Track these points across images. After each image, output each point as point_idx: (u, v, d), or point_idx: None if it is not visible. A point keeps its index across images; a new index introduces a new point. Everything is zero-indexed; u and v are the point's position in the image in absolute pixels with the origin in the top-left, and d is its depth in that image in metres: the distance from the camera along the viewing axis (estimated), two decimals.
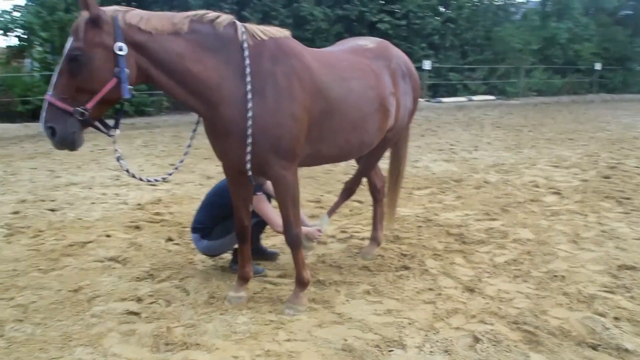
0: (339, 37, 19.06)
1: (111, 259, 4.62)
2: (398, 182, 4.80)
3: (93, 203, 6.43)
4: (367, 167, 4.44)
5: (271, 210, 4.11)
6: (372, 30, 19.55)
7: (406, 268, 4.41)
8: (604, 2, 27.47)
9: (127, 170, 3.23)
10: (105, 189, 7.16)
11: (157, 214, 5.98)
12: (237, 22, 3.25)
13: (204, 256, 4.64)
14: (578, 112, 18.53)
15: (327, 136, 3.50)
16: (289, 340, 3.26)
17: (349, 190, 4.57)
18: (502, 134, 12.99)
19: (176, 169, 3.55)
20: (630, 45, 27.92)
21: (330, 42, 18.53)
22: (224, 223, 4.17)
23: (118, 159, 3.14)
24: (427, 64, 20.37)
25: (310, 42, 18.17)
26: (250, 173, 3.30)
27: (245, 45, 3.17)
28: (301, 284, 3.66)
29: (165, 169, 8.48)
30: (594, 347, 3.16)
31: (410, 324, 3.45)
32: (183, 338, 3.25)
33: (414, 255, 4.68)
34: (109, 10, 2.96)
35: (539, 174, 8.21)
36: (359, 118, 3.62)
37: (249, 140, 3.17)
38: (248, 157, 3.21)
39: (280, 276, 4.31)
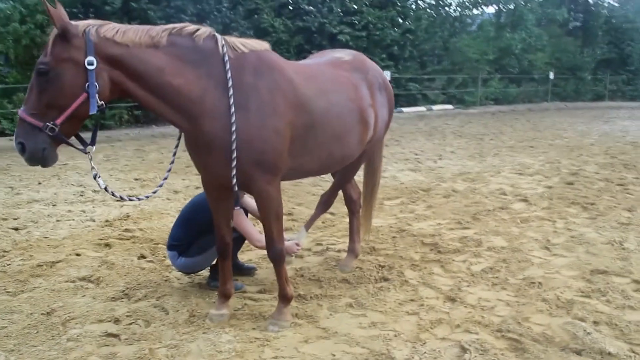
0: (300, 48, 19.18)
1: (83, 279, 4.45)
2: (374, 194, 4.83)
3: (59, 221, 6.20)
4: (343, 179, 4.44)
5: (250, 226, 4.05)
6: (332, 41, 19.72)
7: (386, 280, 4.42)
8: (554, 14, 28.55)
9: (106, 189, 3.12)
10: (70, 205, 6.92)
11: (127, 230, 5.81)
12: (217, 35, 3.21)
13: (179, 273, 4.54)
14: (535, 120, 19.14)
15: (310, 150, 3.49)
16: (275, 357, 3.20)
17: (325, 203, 4.56)
18: (465, 142, 13.28)
19: (160, 186, 3.47)
20: (580, 55, 29.12)
21: (291, 53, 18.61)
22: (201, 239, 4.09)
23: (95, 176, 3.04)
24: (387, 75, 20.61)
25: None
26: (236, 188, 3.25)
27: (226, 58, 3.13)
28: (285, 299, 3.62)
29: (130, 184, 8.29)
30: (578, 352, 3.23)
31: (396, 336, 3.45)
32: None
33: (392, 266, 4.70)
34: (81, 24, 2.88)
35: (505, 182, 8.42)
36: (340, 131, 3.62)
37: (234, 155, 3.11)
38: (233, 172, 3.16)
39: (259, 292, 4.24)
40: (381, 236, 5.58)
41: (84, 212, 6.62)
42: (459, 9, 26.68)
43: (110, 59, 2.89)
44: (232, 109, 3.08)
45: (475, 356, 3.17)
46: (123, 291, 4.19)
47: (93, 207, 6.85)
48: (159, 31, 3.04)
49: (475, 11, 27.89)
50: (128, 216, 6.36)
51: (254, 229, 4.07)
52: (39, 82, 2.79)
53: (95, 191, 7.71)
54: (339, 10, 20.47)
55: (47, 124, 2.80)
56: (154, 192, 3.54)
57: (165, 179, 3.51)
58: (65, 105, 2.81)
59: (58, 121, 2.81)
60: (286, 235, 4.55)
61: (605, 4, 31.88)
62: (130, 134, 14.35)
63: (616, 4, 31.75)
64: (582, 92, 29.54)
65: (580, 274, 4.51)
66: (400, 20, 23.38)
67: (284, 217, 6.24)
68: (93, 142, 3.05)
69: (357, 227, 4.76)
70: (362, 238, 4.92)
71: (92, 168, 3.06)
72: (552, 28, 29.82)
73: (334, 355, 3.21)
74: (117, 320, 3.69)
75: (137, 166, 9.82)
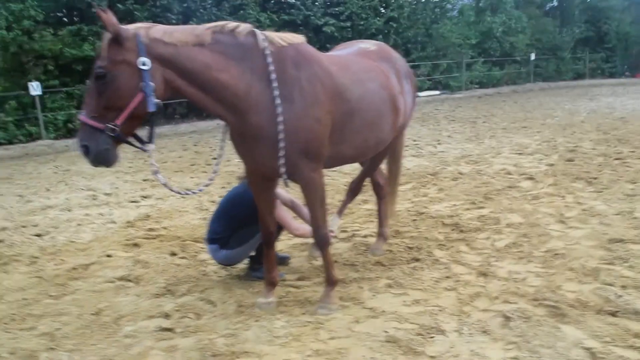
0: None
1: (121, 279, 4.54)
2: (397, 179, 4.98)
3: (79, 225, 6.25)
4: (373, 166, 4.59)
5: (287, 215, 4.19)
6: (318, 33, 19.79)
7: (417, 260, 4.59)
8: None
9: (165, 184, 3.22)
10: (86, 209, 6.97)
11: (151, 229, 5.90)
12: (256, 30, 3.31)
13: (216, 267, 4.67)
14: (522, 102, 19.45)
15: (348, 137, 3.62)
16: (332, 338, 3.35)
17: (354, 190, 4.71)
18: (459, 126, 13.50)
19: (211, 180, 3.59)
20: (560, 35, 29.51)
21: None
22: (240, 231, 4.21)
23: (155, 172, 3.14)
24: None
25: None
26: (285, 177, 3.37)
27: (268, 52, 3.23)
28: (331, 282, 3.76)
29: (141, 185, 8.35)
30: (613, 314, 3.43)
31: (440, 310, 3.62)
32: (228, 348, 3.28)
33: (420, 247, 4.87)
34: (132, 27, 2.99)
35: (507, 162, 8.63)
36: (375, 118, 3.76)
37: (281, 145, 3.23)
38: (282, 161, 3.27)
39: (299, 279, 4.38)
40: (402, 219, 5.74)
41: (101, 215, 6.68)
42: None
43: (161, 58, 2.99)
44: (277, 101, 3.19)
45: (520, 323, 3.35)
46: (165, 287, 4.29)
47: (110, 209, 6.91)
48: (203, 30, 3.14)
49: None
50: (148, 216, 6.44)
51: (291, 218, 4.20)
52: (97, 86, 2.90)
53: (107, 194, 7.78)
54: (322, 1, 20.51)
55: (108, 125, 2.90)
56: (206, 186, 3.64)
57: (215, 172, 3.61)
58: (123, 106, 2.91)
59: (118, 121, 2.91)
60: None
61: None
62: None
63: None
64: (563, 72, 29.97)
65: (599, 243, 4.72)
66: (383, 10, 23.48)
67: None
68: (151, 140, 3.15)
69: (385, 212, 4.91)
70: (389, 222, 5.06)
71: (152, 164, 3.15)
72: (530, 9, 30.13)
73: (386, 332, 3.36)
74: (167, 315, 3.80)
75: (141, 167, 9.84)
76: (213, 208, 6.66)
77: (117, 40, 2.91)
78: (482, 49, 26.86)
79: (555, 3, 31.65)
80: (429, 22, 25.38)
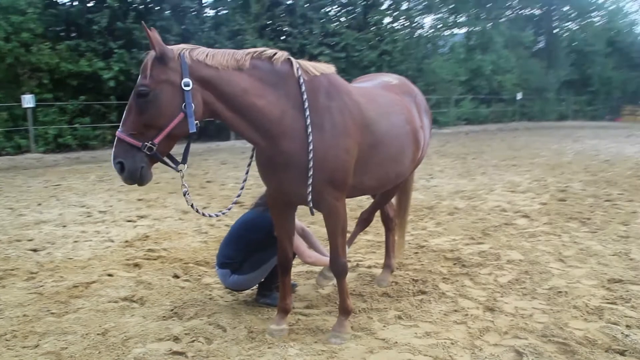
0: None
1: (125, 299, 4.48)
2: (407, 211, 5.04)
3: (76, 242, 6.17)
4: (386, 198, 4.64)
5: (300, 241, 4.20)
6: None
7: (423, 292, 4.62)
8: (521, 37, 29.79)
9: (192, 206, 3.23)
10: (81, 226, 6.89)
11: (151, 250, 5.84)
12: (292, 59, 3.38)
13: (221, 291, 4.65)
14: (509, 140, 19.87)
15: (371, 169, 3.67)
16: None
17: (365, 221, 4.76)
18: (450, 162, 13.71)
19: (235, 203, 3.60)
20: (546, 77, 30.38)
21: None
22: (253, 257, 4.20)
23: (185, 194, 3.15)
24: None
25: None
26: (310, 205, 3.39)
27: (302, 80, 3.30)
28: (346, 311, 3.76)
29: (135, 204, 8.28)
30: (622, 353, 3.49)
31: (452, 344, 3.64)
32: None
33: (425, 280, 4.90)
34: (176, 48, 3.03)
35: (501, 199, 8.78)
36: (398, 151, 3.83)
37: (310, 173, 3.27)
38: (309, 189, 3.31)
39: (307, 307, 4.37)
40: (404, 252, 5.76)
41: (98, 232, 6.61)
42: (432, 31, 27.51)
43: (202, 80, 3.04)
44: (309, 129, 3.24)
45: (532, 359, 3.38)
46: (171, 310, 4.24)
47: (106, 227, 6.84)
48: (243, 55, 3.20)
49: (446, 32, 28.77)
50: (147, 236, 6.39)
51: (304, 244, 4.22)
52: (138, 104, 2.92)
53: (102, 212, 7.70)
54: (318, 32, 20.87)
55: (146, 143, 2.92)
56: (229, 209, 3.65)
57: (239, 196, 3.63)
58: (163, 125, 2.94)
59: (156, 140, 2.93)
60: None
61: (566, 27, 33.40)
62: None
63: (576, 27, 33.27)
64: (547, 112, 30.79)
65: (599, 283, 4.81)
66: (378, 42, 23.97)
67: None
68: (184, 161, 3.16)
69: (393, 244, 4.95)
70: (397, 255, 5.09)
71: (183, 185, 3.16)
72: (519, 50, 31.05)
73: None
74: (176, 339, 3.75)
75: (134, 187, 9.72)
76: (212, 232, 6.71)
77: (162, 60, 2.95)
78: (470, 86, 27.51)
79: (542, 45, 32.60)
80: (420, 57, 25.99)
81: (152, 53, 2.96)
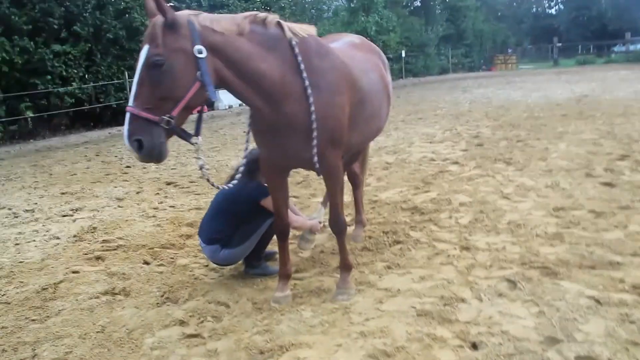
0: None
1: (106, 293, 4.25)
2: (366, 167, 5.22)
3: (17, 244, 5.65)
4: (356, 156, 4.77)
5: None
6: None
7: (398, 242, 4.87)
8: None
9: (208, 180, 3.13)
10: (14, 228, 6.29)
11: (107, 241, 5.53)
12: (281, 21, 3.33)
13: (203, 270, 4.59)
14: (403, 96, 20.78)
15: (359, 125, 3.76)
16: (367, 319, 3.48)
17: None
18: None
19: (240, 173, 3.51)
20: (425, 33, 31.92)
21: None
22: (240, 229, 4.16)
23: (201, 167, 3.04)
24: None
25: None
26: (317, 166, 3.42)
27: (294, 42, 3.27)
28: (348, 268, 3.89)
29: (61, 198, 7.68)
30: (593, 267, 3.98)
31: (449, 283, 3.92)
32: (271, 344, 3.27)
33: (395, 230, 5.15)
34: (183, 14, 2.89)
35: (424, 150, 9.30)
36: (378, 106, 3.96)
37: (315, 133, 3.29)
38: (315, 150, 3.33)
39: (297, 272, 4.40)
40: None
41: (37, 231, 6.10)
42: None
43: (212, 47, 2.92)
44: (309, 91, 3.25)
45: (526, 285, 3.76)
46: (162, 296, 4.11)
47: (43, 225, 6.32)
48: (242, 19, 3.11)
49: None
50: (94, 228, 6.01)
51: (290, 213, 4.24)
52: (152, 75, 2.75)
53: (28, 210, 7.09)
54: (207, 3, 20.22)
55: (163, 117, 2.77)
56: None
57: (244, 165, 3.59)
58: (180, 96, 2.80)
59: (174, 113, 2.79)
60: (304, 214, 4.80)
61: None
62: (11, 151, 12.90)
63: None
64: (430, 67, 32.51)
65: (547, 212, 5.36)
66: (265, 11, 23.65)
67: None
68: (198, 133, 3.04)
69: (361, 200, 5.12)
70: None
71: (199, 158, 3.03)
72: (398, 9, 32.23)
73: (414, 307, 3.58)
74: (182, 322, 3.67)
75: (50, 181, 9.02)
76: (160, 214, 6.47)
77: (173, 27, 2.79)
78: None
79: (418, 3, 34.09)
80: (308, 23, 26.05)
81: (158, 19, 2.78)
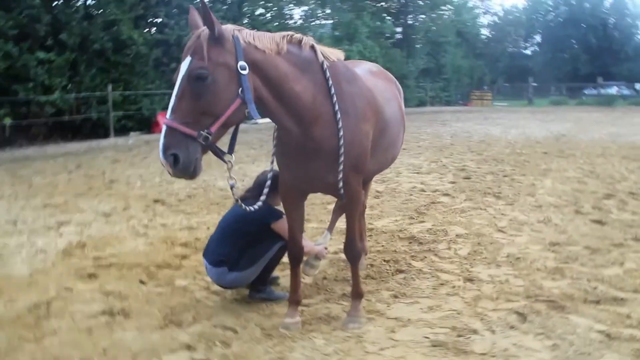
0: (157, 61, 18.52)
1: (104, 313, 4.09)
2: (367, 195, 5.23)
3: (1, 256, 5.43)
4: (366, 183, 4.77)
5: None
6: None
7: (401, 271, 4.85)
8: (383, 28, 31.56)
9: (237, 201, 3.08)
10: None
11: (98, 258, 5.36)
12: (314, 44, 3.35)
13: (205, 293, 4.48)
14: None
15: (377, 153, 3.78)
16: (382, 349, 3.44)
17: (342, 207, 4.82)
18: None
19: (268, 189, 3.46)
20: (406, 65, 32.56)
21: (149, 66, 17.89)
22: (249, 251, 4.09)
23: (232, 187, 2.99)
24: None
25: (130, 67, 17.35)
26: (342, 191, 3.40)
27: (325, 66, 3.28)
28: (359, 296, 3.85)
29: (44, 211, 7.43)
30: (598, 302, 4.04)
31: (458, 314, 3.91)
32: None
33: (396, 259, 5.14)
34: (228, 28, 2.88)
35: (413, 181, 9.38)
36: (395, 135, 3.99)
37: (341, 159, 3.28)
38: (340, 175, 3.32)
39: (303, 298, 4.34)
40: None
41: (21, 245, 5.87)
42: (301, 21, 28.04)
43: (254, 64, 2.90)
44: (338, 115, 3.25)
45: (535, 317, 3.78)
46: (165, 319, 3.97)
47: (27, 238, 6.09)
48: (280, 38, 3.11)
49: (315, 22, 29.49)
50: (84, 244, 5.82)
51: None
52: (194, 88, 2.70)
53: (9, 222, 6.84)
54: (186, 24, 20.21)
55: (202, 132, 2.71)
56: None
57: (270, 184, 3.56)
58: (220, 112, 2.76)
59: (212, 129, 2.74)
60: (309, 239, 4.75)
61: (420, 19, 36.08)
62: None
63: (429, 19, 36.08)
64: (409, 99, 32.94)
65: (543, 247, 5.43)
66: None
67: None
68: (231, 151, 2.99)
69: (364, 227, 5.11)
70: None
71: (231, 177, 2.97)
72: (380, 40, 32.84)
73: (427, 337, 3.55)
74: (190, 347, 3.53)
75: (30, 192, 8.75)
76: (151, 233, 6.32)
77: (219, 40, 2.77)
78: None
79: (401, 36, 34.85)
80: None
81: (204, 31, 2.75)
